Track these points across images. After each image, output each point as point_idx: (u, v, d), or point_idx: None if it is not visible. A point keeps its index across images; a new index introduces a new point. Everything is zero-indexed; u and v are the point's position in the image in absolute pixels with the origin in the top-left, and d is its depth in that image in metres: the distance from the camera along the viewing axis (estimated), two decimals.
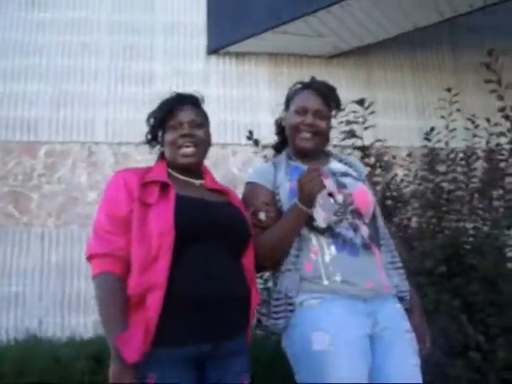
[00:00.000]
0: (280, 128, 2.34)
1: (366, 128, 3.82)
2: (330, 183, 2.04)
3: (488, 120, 4.14)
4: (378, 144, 3.98)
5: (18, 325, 4.98)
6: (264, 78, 6.06)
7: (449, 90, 4.27)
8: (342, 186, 2.08)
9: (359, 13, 5.37)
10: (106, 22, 5.94)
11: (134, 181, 1.86)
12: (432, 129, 4.19)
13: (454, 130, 4.25)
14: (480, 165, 4.16)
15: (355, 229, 2.02)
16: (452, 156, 4.11)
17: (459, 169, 4.05)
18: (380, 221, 2.15)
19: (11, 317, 5.09)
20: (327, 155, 2.28)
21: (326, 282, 1.94)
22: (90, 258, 1.81)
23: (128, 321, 1.67)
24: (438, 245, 3.23)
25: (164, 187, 1.85)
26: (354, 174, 2.19)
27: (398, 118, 6.19)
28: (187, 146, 1.93)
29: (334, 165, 2.21)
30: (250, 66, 6.04)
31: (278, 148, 2.37)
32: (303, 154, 2.19)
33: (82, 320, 5.17)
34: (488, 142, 4.17)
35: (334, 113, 2.27)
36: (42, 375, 3.49)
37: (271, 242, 1.99)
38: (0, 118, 5.53)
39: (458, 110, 4.38)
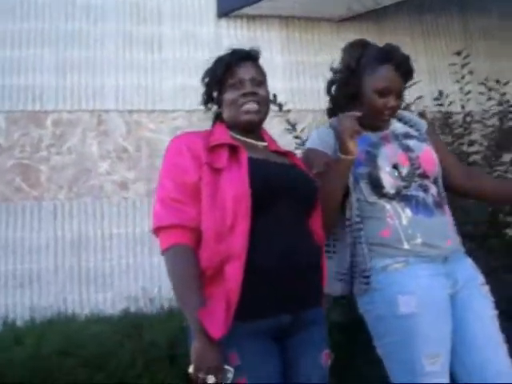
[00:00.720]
0: (348, 88, 2.14)
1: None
2: (394, 148, 2.03)
3: (497, 81, 4.14)
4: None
5: (35, 303, 4.77)
6: (276, 42, 5.87)
7: (458, 53, 4.26)
8: (407, 149, 2.05)
9: None
10: None
11: (198, 145, 1.74)
12: (440, 93, 4.17)
13: (469, 92, 4.24)
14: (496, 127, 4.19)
15: (425, 189, 2.02)
16: (468, 119, 4.11)
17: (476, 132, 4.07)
18: (440, 182, 2.13)
19: (26, 295, 4.87)
20: None
21: (406, 246, 1.95)
22: (157, 230, 1.69)
23: (205, 295, 1.59)
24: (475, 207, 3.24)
25: (232, 150, 1.73)
26: (416, 133, 2.16)
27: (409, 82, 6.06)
28: (250, 104, 1.82)
29: (395, 126, 2.17)
30: (261, 31, 5.83)
31: (333, 112, 2.21)
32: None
33: (100, 296, 4.99)
34: (501, 104, 4.16)
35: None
36: (87, 355, 3.33)
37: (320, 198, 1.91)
38: (2, 87, 5.19)
39: (471, 73, 4.36)
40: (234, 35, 5.80)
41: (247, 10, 5.73)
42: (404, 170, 2.00)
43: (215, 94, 1.91)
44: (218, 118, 1.94)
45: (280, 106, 3.95)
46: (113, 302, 4.96)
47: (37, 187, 5.09)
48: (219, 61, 1.89)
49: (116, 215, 5.20)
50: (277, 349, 1.66)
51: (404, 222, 1.97)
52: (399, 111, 2.25)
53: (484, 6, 6.46)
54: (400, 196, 1.99)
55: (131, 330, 3.73)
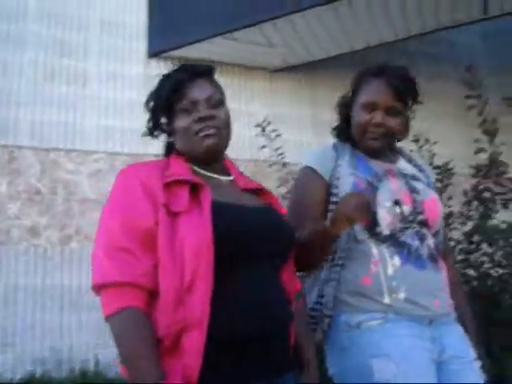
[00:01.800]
0: (344, 109, 2.00)
1: None
2: (399, 185, 1.83)
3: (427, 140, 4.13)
4: None
5: None
6: None
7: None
8: (413, 191, 1.85)
9: (317, 25, 5.21)
10: (33, 10, 5.21)
11: (154, 180, 1.40)
12: None
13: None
14: None
15: (421, 238, 1.80)
16: None
17: None
18: (441, 237, 1.93)
19: None
20: (396, 152, 2.02)
21: (387, 300, 1.71)
22: (100, 287, 1.33)
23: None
24: None
25: (193, 189, 1.40)
26: (424, 179, 1.97)
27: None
28: (207, 130, 1.48)
29: (403, 165, 1.98)
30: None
31: (341, 131, 2.03)
32: (370, 153, 1.92)
33: (0, 357, 4.34)
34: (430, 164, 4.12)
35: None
36: None
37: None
38: None
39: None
40: None
41: (179, 52, 5.52)
42: (406, 209, 1.78)
43: (163, 121, 1.56)
44: (170, 148, 1.60)
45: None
46: (14, 365, 4.36)
47: None
48: (165, 79, 1.54)
49: (23, 264, 4.65)
50: None
51: (389, 271, 1.72)
52: (414, 156, 2.08)
53: (413, 65, 6.63)
54: (392, 240, 1.75)
55: None
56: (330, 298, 1.75)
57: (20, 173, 4.80)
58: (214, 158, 1.54)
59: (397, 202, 1.78)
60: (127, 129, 5.25)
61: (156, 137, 1.59)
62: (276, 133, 4.38)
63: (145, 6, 5.65)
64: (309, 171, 1.91)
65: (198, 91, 1.50)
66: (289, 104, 6.02)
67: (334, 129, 2.06)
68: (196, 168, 1.53)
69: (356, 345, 1.69)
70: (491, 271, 3.68)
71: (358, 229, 1.76)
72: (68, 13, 5.36)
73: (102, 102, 5.25)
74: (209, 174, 1.53)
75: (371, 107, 1.85)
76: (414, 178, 1.92)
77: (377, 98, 1.85)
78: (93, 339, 4.60)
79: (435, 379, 1.66)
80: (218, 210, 1.36)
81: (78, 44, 5.32)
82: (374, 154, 1.92)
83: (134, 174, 1.43)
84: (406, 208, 1.79)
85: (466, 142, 6.61)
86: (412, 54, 6.71)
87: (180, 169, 1.47)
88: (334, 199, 1.81)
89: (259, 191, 1.61)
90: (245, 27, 5.14)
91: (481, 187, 3.70)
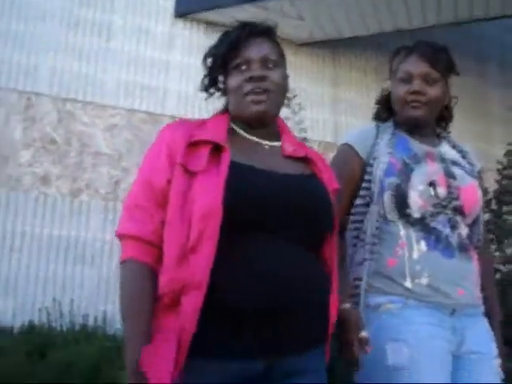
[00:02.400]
0: (384, 99, 1.99)
1: None
2: (437, 169, 1.78)
3: None
4: None
5: None
6: None
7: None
8: (450, 176, 1.79)
9: (351, 2, 5.13)
10: None
11: (179, 139, 1.39)
12: None
13: None
14: None
15: (453, 226, 1.75)
16: None
17: None
18: (481, 228, 1.87)
19: None
20: (439, 136, 1.98)
21: (408, 284, 1.69)
22: (119, 237, 1.40)
23: (157, 326, 1.29)
24: None
25: (217, 150, 1.37)
26: (467, 166, 1.90)
27: (361, 117, 6.00)
28: (256, 93, 1.43)
29: (445, 149, 1.92)
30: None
31: (380, 117, 2.01)
32: (413, 125, 1.88)
33: (0, 303, 4.33)
34: None
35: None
36: None
37: None
38: None
39: None
40: (189, 38, 5.46)
41: (206, 15, 5.43)
42: (441, 192, 1.75)
43: (220, 79, 1.52)
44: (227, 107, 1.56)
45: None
46: (14, 313, 4.35)
47: None
48: (225, 36, 1.50)
49: (32, 212, 4.60)
50: None
51: (414, 255, 1.70)
52: (460, 143, 2.02)
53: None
54: (421, 224, 1.73)
55: (43, 348, 3.17)
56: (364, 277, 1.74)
57: (36, 120, 4.74)
58: (261, 123, 1.49)
59: (431, 184, 1.75)
60: (146, 86, 5.18)
61: (211, 94, 1.55)
62: (299, 107, 4.34)
63: None
64: (347, 148, 1.89)
65: (254, 50, 1.45)
66: (310, 80, 5.94)
67: (375, 116, 2.03)
68: (237, 129, 1.49)
69: (373, 326, 1.65)
70: (501, 266, 3.73)
71: (388, 208, 1.74)
72: None
73: (125, 57, 5.17)
74: (249, 136, 1.49)
75: (408, 79, 1.84)
76: (455, 163, 1.88)
77: (411, 68, 1.85)
78: (94, 294, 4.61)
79: (447, 370, 1.65)
80: (238, 173, 1.34)
81: None
82: (417, 127, 1.89)
83: (165, 133, 1.44)
84: (441, 191, 1.75)
85: (484, 138, 6.64)
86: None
87: (212, 128, 1.44)
88: (368, 177, 1.79)
89: (308, 158, 1.54)
90: None
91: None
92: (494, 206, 3.97)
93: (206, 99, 1.56)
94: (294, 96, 4.31)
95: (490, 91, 6.73)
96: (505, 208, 3.99)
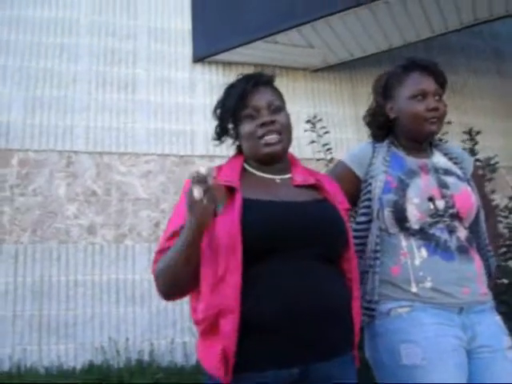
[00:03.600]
0: (377, 118, 2.09)
1: None
2: (430, 181, 1.89)
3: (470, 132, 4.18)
4: None
5: None
6: None
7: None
8: (443, 186, 1.90)
9: (355, 24, 5.31)
10: (85, 24, 5.53)
11: None
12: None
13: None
14: None
15: (451, 231, 1.86)
16: None
17: None
18: (483, 226, 1.97)
19: None
20: (431, 145, 2.10)
21: (414, 289, 1.79)
22: (153, 274, 1.59)
23: (203, 347, 1.51)
24: None
25: (232, 191, 1.56)
26: (459, 172, 2.01)
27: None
28: (269, 134, 1.63)
29: (438, 159, 2.03)
30: (237, 76, 5.78)
31: (376, 136, 2.12)
32: (420, 141, 2.01)
33: (62, 347, 4.65)
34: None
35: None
36: None
37: None
38: None
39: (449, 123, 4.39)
40: (209, 80, 5.75)
41: (222, 57, 5.72)
42: (440, 205, 1.86)
43: (230, 127, 1.73)
44: (239, 149, 1.77)
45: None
46: (75, 354, 4.66)
47: None
48: (231, 89, 1.70)
49: (82, 261, 4.94)
50: None
51: (416, 262, 1.81)
52: (447, 145, 2.14)
53: (453, 59, 6.63)
54: (421, 233, 1.84)
55: None
56: (370, 287, 1.84)
57: (77, 176, 5.10)
58: (274, 161, 1.68)
59: (431, 199, 1.85)
60: (175, 131, 5.48)
61: (222, 142, 1.77)
62: (324, 130, 4.51)
63: (189, 13, 5.86)
64: (342, 166, 2.03)
65: (260, 99, 1.65)
66: (330, 103, 6.13)
67: (372, 135, 2.13)
68: (250, 168, 1.69)
69: (387, 331, 1.78)
70: None
71: (389, 223, 1.86)
72: (117, 23, 5.64)
73: (151, 106, 5.49)
74: (261, 174, 1.69)
75: (422, 95, 1.94)
76: (447, 172, 1.97)
77: (424, 85, 1.94)
78: (147, 330, 4.87)
79: (462, 364, 1.72)
80: (250, 209, 1.50)
81: (128, 52, 5.59)
82: (423, 141, 2.00)
83: (187, 183, 1.58)
84: (440, 203, 1.85)
85: (506, 135, 6.62)
86: (451, 49, 6.71)
87: (226, 172, 1.63)
88: (367, 196, 1.91)
89: (318, 185, 1.69)
90: (284, 30, 5.30)
91: None
92: None
93: (217, 146, 1.78)
94: (319, 120, 4.50)
95: (510, 88, 6.72)
96: None
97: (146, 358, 4.54)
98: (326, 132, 4.49)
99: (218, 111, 1.73)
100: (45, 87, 5.22)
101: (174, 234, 1.55)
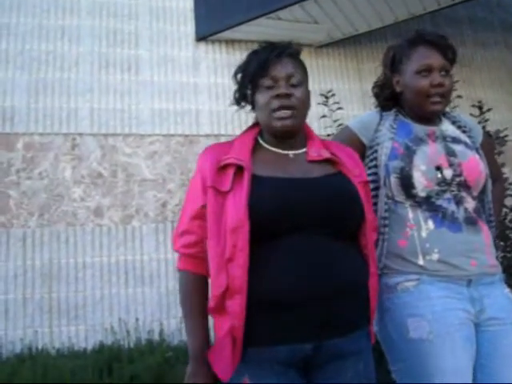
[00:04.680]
0: (385, 90, 2.06)
1: None
2: (438, 149, 1.86)
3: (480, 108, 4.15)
4: None
5: (1, 337, 4.46)
6: None
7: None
8: (451, 154, 1.88)
9: None
10: (86, 5, 5.47)
11: (208, 165, 1.58)
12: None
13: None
14: None
15: (459, 201, 1.83)
16: None
17: None
18: (489, 195, 1.94)
19: None
20: (441, 114, 2.05)
21: (421, 262, 1.77)
22: (176, 251, 1.67)
23: (215, 326, 1.51)
24: None
25: (241, 169, 1.54)
26: (468, 140, 1.98)
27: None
28: (283, 108, 1.58)
29: (446, 127, 2.00)
30: (240, 54, 5.69)
31: (386, 109, 2.08)
32: (427, 117, 1.96)
33: (73, 328, 4.69)
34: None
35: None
36: None
37: None
38: None
39: (460, 97, 4.33)
40: (213, 59, 5.69)
41: (226, 34, 5.66)
42: (448, 173, 1.83)
43: (249, 93, 1.68)
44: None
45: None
46: (86, 335, 4.70)
47: (5, 213, 4.81)
48: (254, 55, 1.66)
49: (90, 243, 4.95)
50: (300, 382, 1.48)
51: (423, 234, 1.79)
52: (456, 114, 2.10)
53: (460, 32, 6.53)
54: (428, 203, 1.81)
55: (111, 364, 3.47)
56: (379, 253, 1.82)
57: (82, 158, 5.09)
58: (286, 136, 1.64)
59: (438, 168, 1.82)
60: (179, 111, 5.45)
61: (242, 107, 1.73)
62: (337, 105, 4.49)
63: None
64: (348, 132, 2.00)
65: (281, 70, 1.59)
66: (335, 79, 6.07)
67: (379, 104, 2.09)
68: (263, 143, 1.67)
69: (394, 305, 1.77)
70: None
71: (395, 190, 1.83)
72: (118, 3, 5.58)
73: (155, 87, 5.46)
74: (274, 149, 1.65)
75: (427, 70, 1.89)
76: (455, 140, 1.94)
77: (430, 60, 1.90)
78: (156, 310, 4.90)
79: (470, 338, 1.71)
80: (258, 186, 1.49)
81: (130, 32, 5.54)
82: (430, 117, 1.96)
83: (199, 162, 1.65)
84: (448, 172, 1.83)
85: None
86: (458, 21, 6.61)
87: (238, 148, 1.61)
88: (374, 163, 1.89)
89: (333, 159, 1.64)
90: (287, 6, 5.23)
91: None
92: None
93: (237, 111, 1.74)
94: (333, 95, 4.47)
95: None
96: None
97: (156, 337, 4.56)
98: (339, 108, 4.47)
99: (239, 76, 1.69)
100: (48, 70, 5.19)
101: (196, 216, 1.58)
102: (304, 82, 1.65)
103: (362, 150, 1.94)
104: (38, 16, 5.30)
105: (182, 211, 1.65)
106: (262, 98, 1.62)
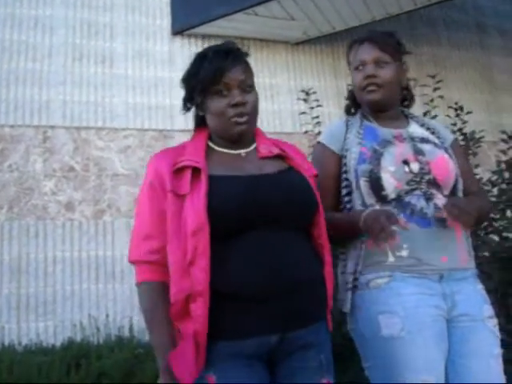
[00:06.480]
0: (350, 93, 2.13)
1: None
2: (405, 149, 1.88)
3: (461, 108, 4.18)
4: None
5: None
6: None
7: (433, 76, 4.30)
8: (418, 153, 1.88)
9: None
10: None
11: (165, 168, 1.57)
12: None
13: (436, 117, 4.20)
14: None
15: (428, 198, 1.83)
16: None
17: None
18: (461, 194, 1.94)
19: None
20: (407, 117, 2.08)
21: (391, 258, 1.78)
22: (131, 262, 1.64)
23: (177, 330, 1.52)
24: None
25: (197, 171, 1.54)
26: (436, 140, 1.98)
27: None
28: (239, 116, 1.58)
29: (414, 129, 2.01)
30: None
31: (349, 111, 2.15)
32: (375, 109, 1.99)
33: (41, 324, 4.62)
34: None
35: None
36: None
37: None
38: None
39: (441, 97, 4.35)
40: (188, 53, 5.62)
41: (202, 29, 5.62)
42: (415, 167, 1.84)
43: (198, 99, 1.65)
44: (201, 121, 1.72)
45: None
46: (55, 331, 4.63)
47: None
48: (204, 61, 1.61)
49: (60, 238, 4.88)
50: (265, 374, 1.50)
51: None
52: (428, 120, 2.13)
53: (436, 32, 6.59)
54: (397, 201, 1.82)
55: (79, 360, 3.43)
56: (362, 249, 1.83)
57: (54, 152, 5.01)
58: (242, 139, 1.65)
59: (405, 162, 1.84)
60: (154, 105, 5.40)
61: (189, 110, 1.72)
62: (317, 103, 4.51)
63: None
64: (320, 147, 2.02)
65: (233, 77, 1.58)
66: (311, 76, 6.08)
67: (345, 110, 2.16)
68: (214, 146, 1.66)
69: (365, 302, 1.79)
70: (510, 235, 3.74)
71: (366, 194, 1.84)
72: None
73: (129, 80, 5.40)
74: (225, 150, 1.65)
75: (362, 65, 1.95)
76: (423, 140, 1.95)
77: (363, 56, 1.96)
78: (127, 307, 4.85)
79: (441, 335, 1.73)
80: (216, 187, 1.51)
81: (105, 24, 5.47)
82: (380, 110, 1.99)
83: (152, 163, 1.61)
84: (415, 166, 1.84)
85: (488, 108, 6.62)
86: (434, 22, 6.66)
87: (191, 151, 1.60)
88: (344, 169, 1.91)
89: (283, 155, 1.68)
90: (264, 2, 5.21)
91: None
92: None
93: (183, 114, 1.74)
94: (313, 92, 4.46)
95: (493, 61, 6.71)
96: None
97: (126, 334, 4.51)
98: (319, 105, 4.47)
99: (188, 81, 1.67)
100: (19, 60, 5.10)
101: (157, 221, 1.55)
102: (253, 83, 1.66)
103: (338, 161, 1.95)
104: (10, 5, 5.19)
105: (135, 218, 1.62)
106: (215, 105, 1.60)
